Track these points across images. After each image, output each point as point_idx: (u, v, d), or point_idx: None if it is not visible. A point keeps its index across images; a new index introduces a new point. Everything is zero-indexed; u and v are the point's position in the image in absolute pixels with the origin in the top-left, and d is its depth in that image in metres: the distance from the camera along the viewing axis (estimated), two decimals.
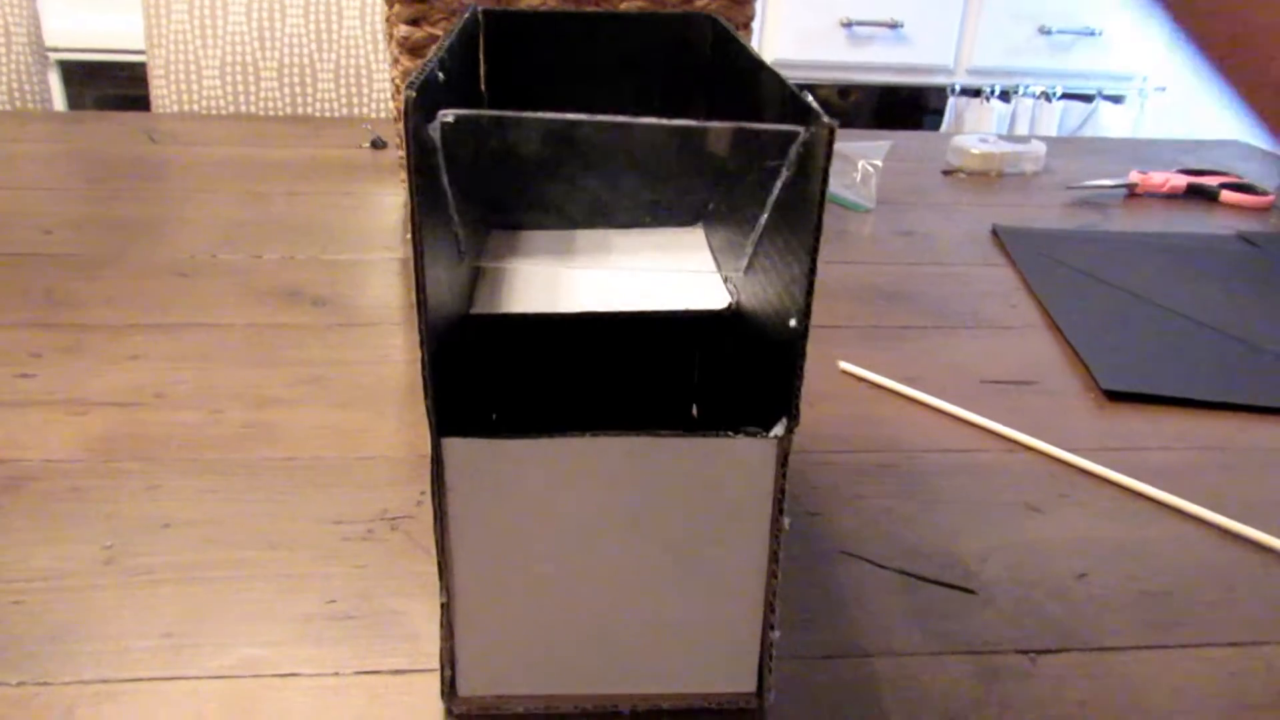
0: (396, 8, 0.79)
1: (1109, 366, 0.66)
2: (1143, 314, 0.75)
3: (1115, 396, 0.63)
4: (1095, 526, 0.51)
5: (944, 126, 2.19)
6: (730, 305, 0.43)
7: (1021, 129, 2.13)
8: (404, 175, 0.86)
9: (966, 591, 0.46)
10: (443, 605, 0.35)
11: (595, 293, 0.44)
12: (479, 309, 0.42)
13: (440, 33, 0.79)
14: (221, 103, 1.25)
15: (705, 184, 0.37)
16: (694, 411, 0.50)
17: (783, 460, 0.34)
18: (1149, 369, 0.66)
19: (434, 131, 0.31)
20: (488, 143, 0.32)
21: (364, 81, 1.26)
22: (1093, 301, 0.77)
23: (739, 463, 0.34)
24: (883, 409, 0.61)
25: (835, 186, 1.01)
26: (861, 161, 1.00)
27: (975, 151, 1.12)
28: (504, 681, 0.37)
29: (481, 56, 0.49)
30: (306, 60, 1.24)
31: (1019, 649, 0.42)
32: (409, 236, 0.36)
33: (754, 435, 0.33)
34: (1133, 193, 1.07)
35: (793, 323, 0.32)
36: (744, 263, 0.40)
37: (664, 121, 0.30)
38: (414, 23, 0.79)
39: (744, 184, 0.36)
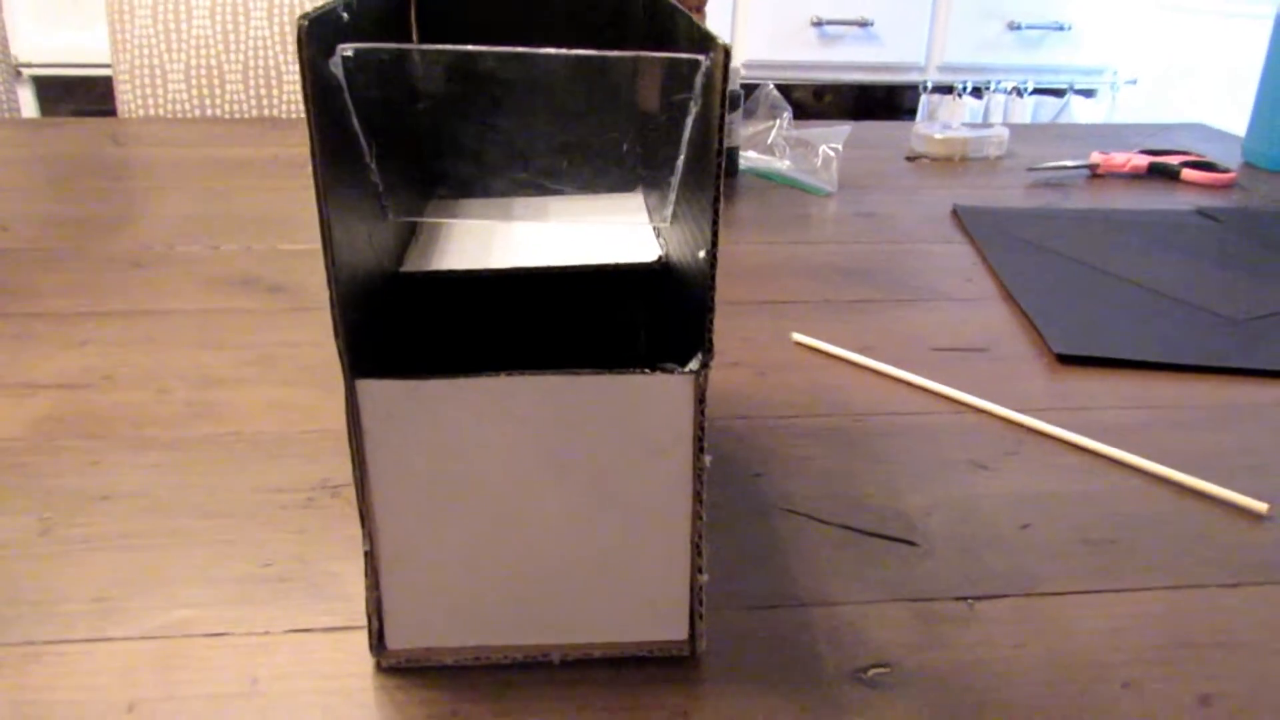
0: None
1: (1061, 332, 0.67)
2: (1098, 283, 0.76)
3: (1067, 360, 0.63)
4: (1041, 481, 0.51)
5: (917, 119, 2.20)
6: (660, 258, 0.43)
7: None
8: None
9: (908, 544, 0.45)
10: (366, 554, 0.35)
11: (529, 250, 0.44)
12: (409, 267, 0.42)
13: None
14: (187, 107, 1.25)
15: (619, 124, 0.37)
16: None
17: (700, 396, 0.34)
18: (1101, 334, 0.66)
19: (335, 68, 0.31)
20: (396, 83, 0.32)
21: None
22: (1049, 273, 0.78)
23: (656, 400, 0.34)
24: (834, 377, 0.61)
25: (796, 171, 1.01)
26: (822, 146, 1.01)
27: (938, 137, 1.13)
28: (433, 633, 0.37)
29: (414, 23, 0.49)
30: (271, 62, 1.24)
31: (958, 596, 0.42)
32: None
33: (670, 372, 0.33)
34: (1094, 173, 1.07)
35: (701, 254, 0.32)
36: (669, 211, 0.40)
37: (563, 51, 0.30)
38: None
39: (659, 125, 0.36)
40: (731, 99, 0.99)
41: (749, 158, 1.05)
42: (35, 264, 0.75)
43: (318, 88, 0.29)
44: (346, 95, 0.32)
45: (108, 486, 0.48)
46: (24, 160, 1.03)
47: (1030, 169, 1.07)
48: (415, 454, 0.34)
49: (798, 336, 0.66)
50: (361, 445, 0.34)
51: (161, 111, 1.25)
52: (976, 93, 2.12)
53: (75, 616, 0.39)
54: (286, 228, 0.84)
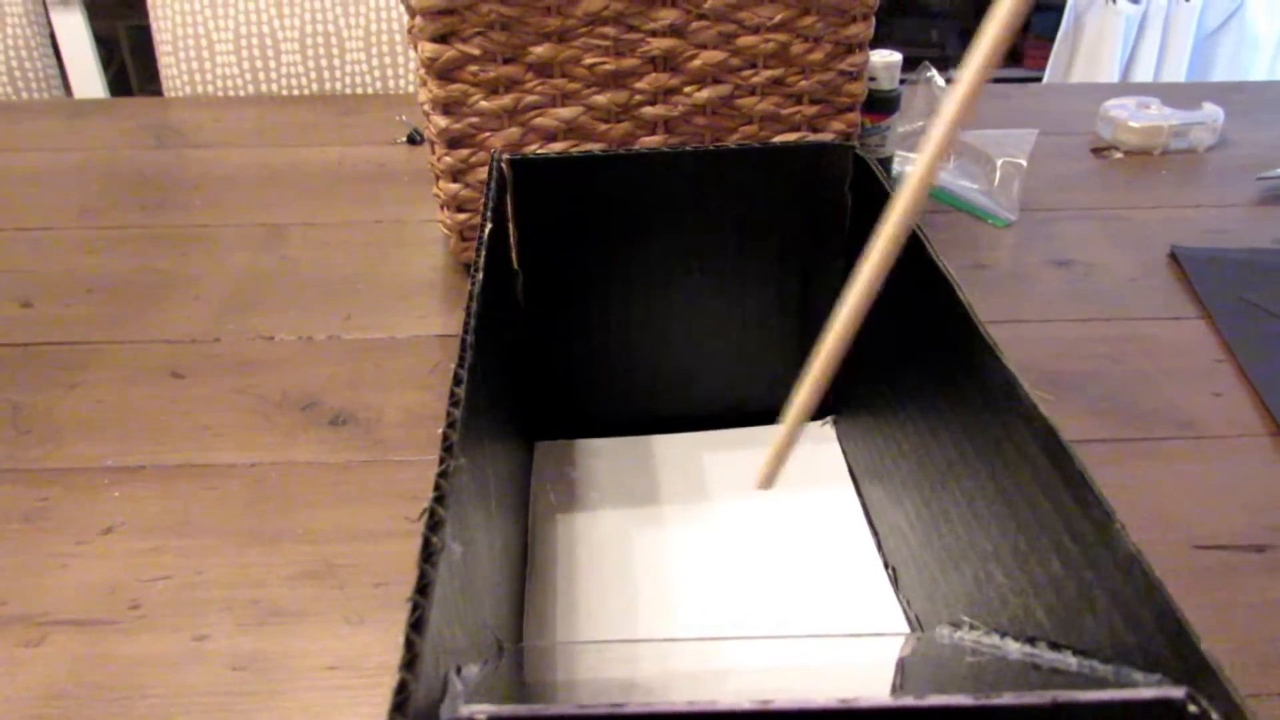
0: (419, 21, 0.62)
1: None
2: None
3: None
4: None
5: (1060, 31, 1.92)
6: (911, 653, 0.28)
7: (1152, 35, 1.85)
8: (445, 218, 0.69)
9: None
10: None
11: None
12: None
13: (476, 52, 0.62)
14: (239, 81, 1.09)
15: None
16: None
17: None
18: None
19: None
20: None
21: (398, 50, 1.09)
22: None
23: None
24: None
25: (968, 190, 0.82)
26: (1001, 160, 0.81)
27: (1134, 125, 0.92)
28: None
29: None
30: (332, 29, 1.07)
31: None
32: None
33: None
34: None
35: None
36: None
37: None
38: (442, 39, 0.62)
39: None
40: (889, 102, 0.79)
41: (904, 161, 0.86)
42: (56, 371, 0.62)
43: None
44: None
45: None
46: (54, 174, 0.89)
47: (1260, 178, 0.86)
48: None
49: None
50: None
51: (210, 88, 1.09)
52: None
53: None
54: (352, 297, 0.70)
